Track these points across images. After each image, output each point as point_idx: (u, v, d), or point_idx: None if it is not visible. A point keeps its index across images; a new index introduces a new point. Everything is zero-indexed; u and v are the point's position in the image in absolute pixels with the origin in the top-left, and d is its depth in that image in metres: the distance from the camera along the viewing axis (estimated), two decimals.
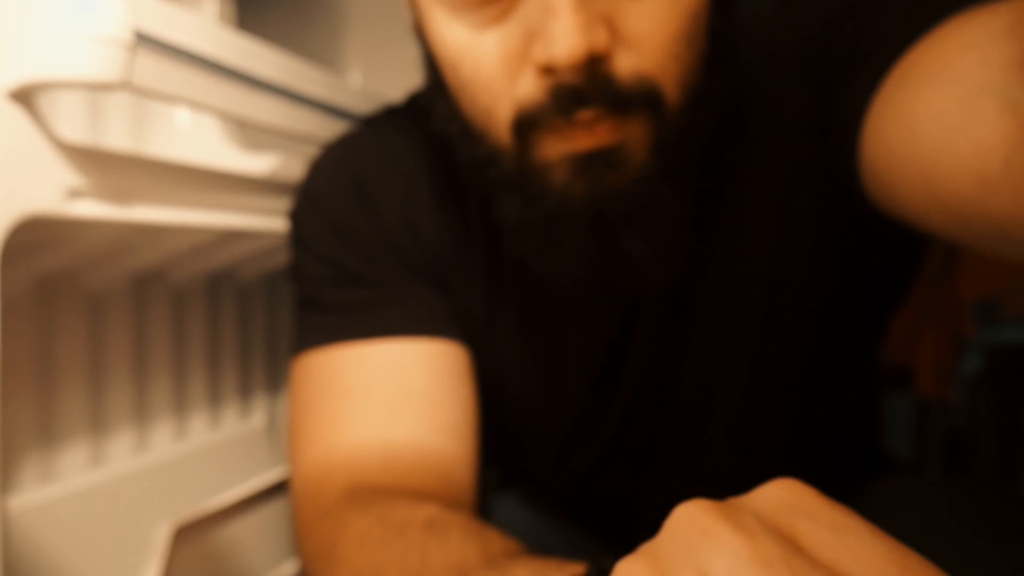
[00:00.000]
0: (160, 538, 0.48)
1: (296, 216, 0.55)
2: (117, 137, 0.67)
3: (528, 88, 0.38)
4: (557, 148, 0.38)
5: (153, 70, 0.45)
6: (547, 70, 0.37)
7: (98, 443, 0.63)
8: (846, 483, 0.58)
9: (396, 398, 0.47)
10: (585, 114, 0.37)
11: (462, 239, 0.52)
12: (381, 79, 0.99)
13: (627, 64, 0.37)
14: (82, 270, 0.61)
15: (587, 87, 0.36)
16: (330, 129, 0.66)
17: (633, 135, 0.38)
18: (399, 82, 1.02)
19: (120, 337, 0.65)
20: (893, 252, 0.49)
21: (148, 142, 0.69)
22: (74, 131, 0.64)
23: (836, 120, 0.42)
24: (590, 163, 0.38)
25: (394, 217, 0.53)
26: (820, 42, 0.44)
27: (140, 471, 0.63)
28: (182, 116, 0.70)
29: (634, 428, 0.54)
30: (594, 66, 0.36)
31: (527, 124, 0.39)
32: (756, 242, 0.48)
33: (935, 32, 0.35)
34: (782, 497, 0.21)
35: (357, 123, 0.68)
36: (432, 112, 0.45)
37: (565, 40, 0.34)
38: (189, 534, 0.51)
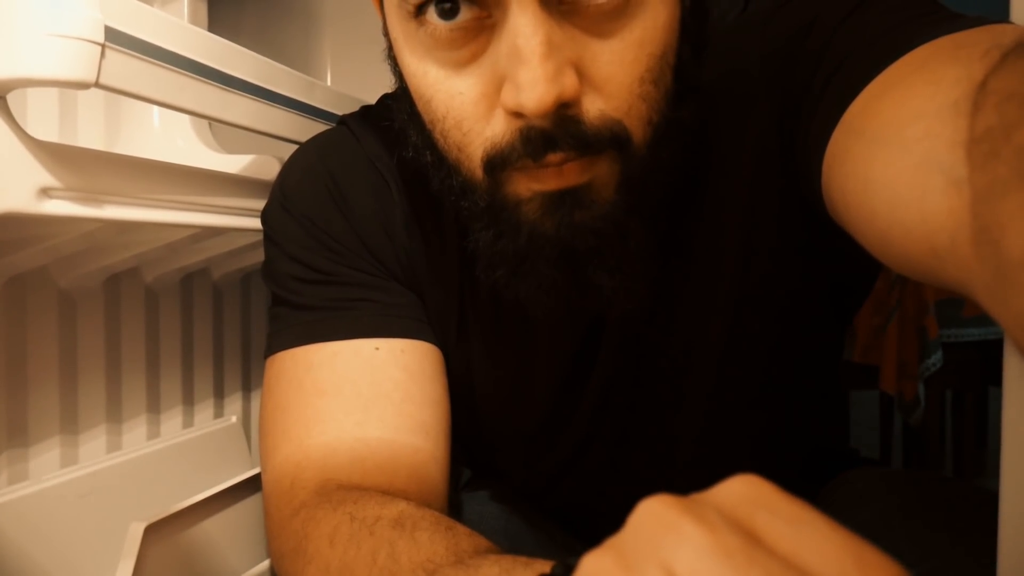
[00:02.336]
0: (134, 536, 0.48)
1: (269, 215, 0.55)
2: (89, 136, 0.67)
3: (498, 129, 0.39)
4: (527, 186, 0.40)
5: (124, 69, 0.46)
6: (517, 114, 0.38)
7: (71, 441, 0.63)
8: (813, 482, 0.59)
9: (368, 396, 0.48)
10: (554, 157, 0.38)
11: (435, 245, 0.53)
12: (353, 80, 1.00)
13: (595, 107, 0.38)
14: (54, 268, 0.61)
15: (556, 131, 0.37)
16: (303, 128, 0.66)
17: (600, 174, 0.40)
18: (371, 83, 1.03)
19: (93, 334, 0.65)
20: (854, 259, 0.51)
21: (120, 141, 0.70)
22: (46, 130, 0.64)
23: (798, 144, 0.43)
24: (559, 201, 0.39)
25: (368, 218, 0.53)
26: (783, 57, 0.45)
27: (113, 468, 0.63)
28: (154, 115, 0.70)
29: (601, 432, 0.55)
30: (563, 110, 0.37)
31: (498, 163, 0.40)
32: (722, 257, 0.49)
33: (893, 67, 0.36)
34: (742, 492, 0.22)
35: (331, 122, 0.68)
36: (407, 141, 0.46)
37: (534, 89, 0.35)
38: (162, 531, 0.51)
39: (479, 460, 0.63)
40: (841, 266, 0.51)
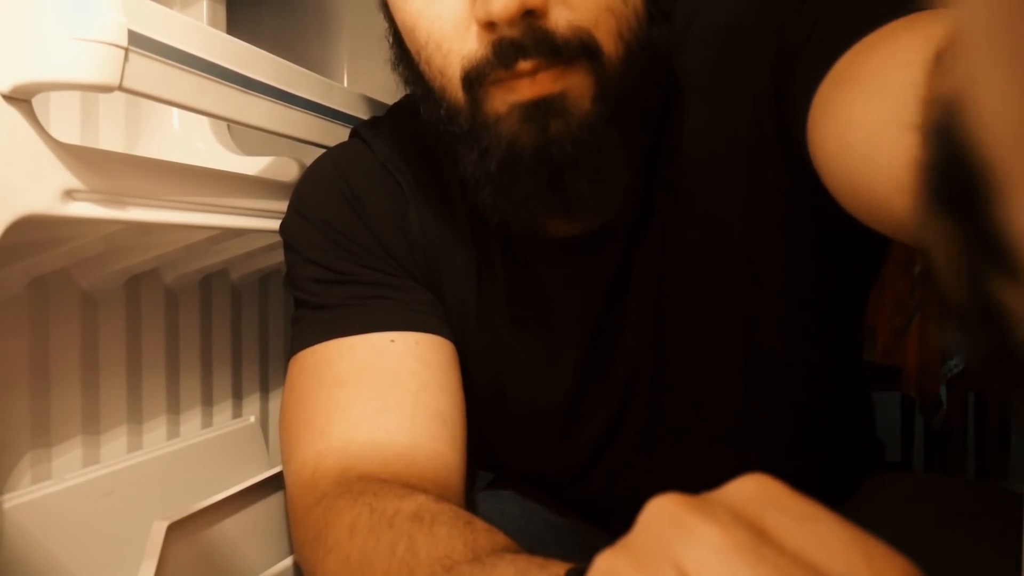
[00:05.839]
0: (156, 534, 0.49)
1: (287, 224, 0.56)
2: (110, 138, 0.68)
3: (473, 45, 0.42)
4: (503, 99, 0.42)
5: (146, 72, 0.46)
6: (488, 26, 0.40)
7: (93, 441, 0.64)
8: (846, 472, 0.59)
9: (386, 385, 0.48)
10: (525, 64, 0.40)
11: (449, 229, 0.54)
12: (369, 82, 1.00)
13: (562, 17, 0.41)
14: (75, 270, 0.62)
15: (525, 39, 0.40)
16: (321, 130, 0.67)
17: (574, 84, 0.42)
18: (387, 85, 1.03)
19: (114, 335, 0.66)
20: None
21: (140, 143, 0.70)
22: (68, 132, 0.65)
23: (789, 94, 0.44)
24: (535, 111, 0.41)
25: (383, 218, 0.54)
26: (779, 15, 0.46)
27: (134, 467, 0.64)
28: (174, 117, 0.71)
29: (632, 405, 0.54)
30: (530, 19, 0.40)
31: (474, 79, 0.42)
32: (725, 203, 0.50)
33: (883, 30, 0.37)
34: (751, 490, 0.22)
35: (348, 124, 0.69)
36: (399, 78, 0.49)
37: None
38: (184, 530, 0.51)
39: (502, 458, 0.63)
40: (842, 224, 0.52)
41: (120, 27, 0.44)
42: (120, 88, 0.45)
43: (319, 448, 0.47)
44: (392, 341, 0.50)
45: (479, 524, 0.40)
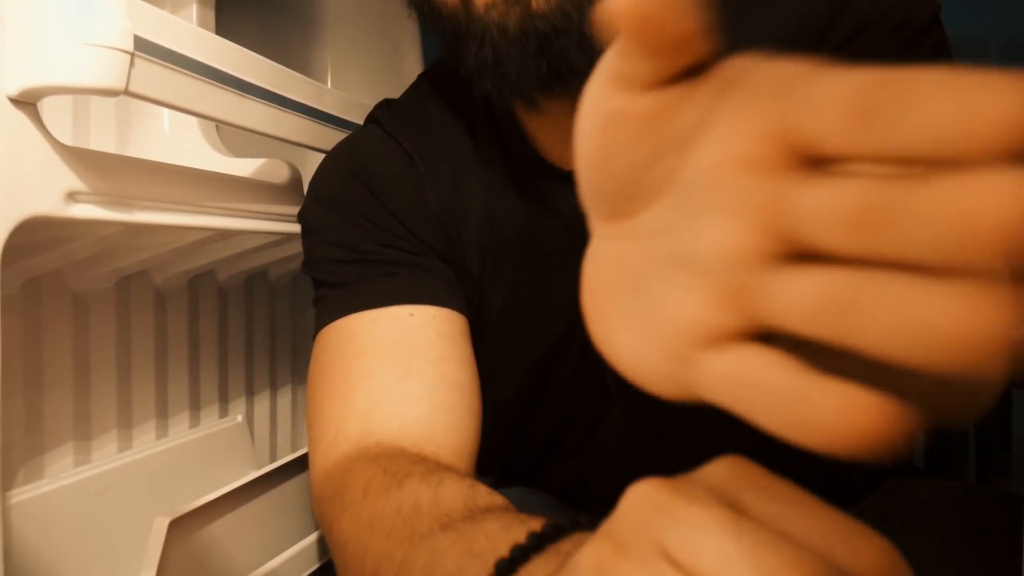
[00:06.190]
0: (158, 531, 0.50)
1: (305, 211, 0.58)
2: (101, 139, 0.68)
3: None
4: None
5: (151, 76, 0.47)
6: None
7: (84, 445, 0.64)
8: (860, 471, 0.59)
9: (407, 355, 0.50)
10: None
11: (464, 189, 0.56)
12: (353, 84, 1.01)
13: None
14: (68, 271, 0.62)
15: None
16: (312, 133, 0.68)
17: None
18: (370, 87, 1.04)
19: (105, 336, 0.66)
20: None
21: (131, 144, 0.71)
22: (60, 133, 0.65)
23: None
24: None
25: (399, 197, 0.56)
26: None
27: (126, 466, 0.65)
28: (164, 119, 0.71)
29: None
30: None
31: None
32: None
33: None
34: (729, 472, 0.22)
35: (338, 127, 0.70)
36: (407, 5, 0.52)
37: None
38: (185, 527, 0.52)
39: (510, 447, 0.63)
40: None
41: (126, 32, 0.45)
42: (126, 92, 0.45)
43: (341, 413, 0.49)
44: (411, 315, 0.52)
45: (481, 488, 0.42)
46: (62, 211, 0.47)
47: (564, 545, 0.31)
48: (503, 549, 0.32)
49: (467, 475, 0.44)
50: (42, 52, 0.43)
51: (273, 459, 0.92)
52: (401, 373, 0.49)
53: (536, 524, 0.33)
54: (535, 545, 0.31)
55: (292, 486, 0.67)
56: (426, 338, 0.51)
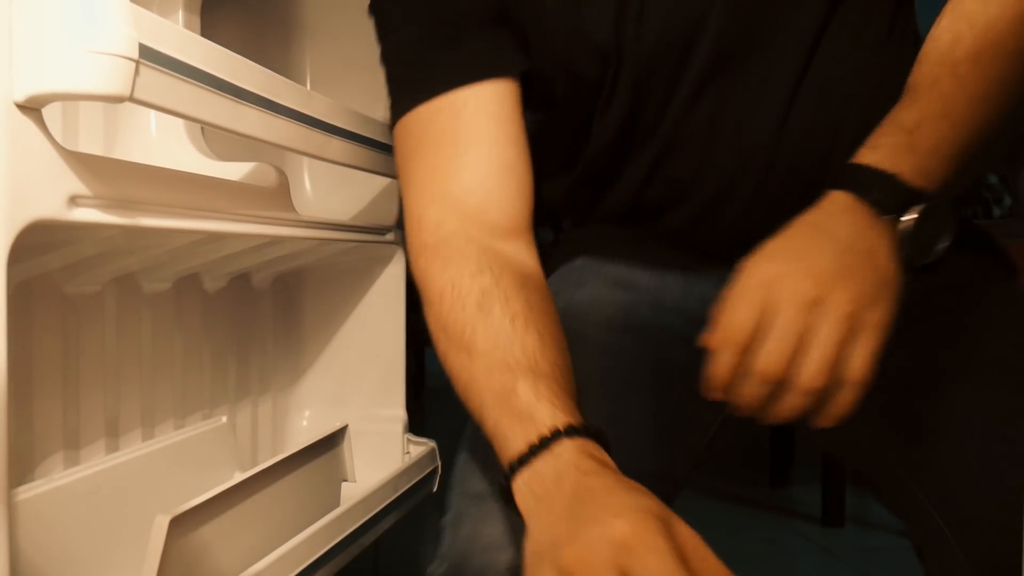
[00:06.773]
0: (159, 529, 0.51)
1: (375, 5, 0.62)
2: (89, 142, 0.69)
3: None
4: None
5: (154, 83, 0.48)
6: None
7: (72, 445, 0.65)
8: None
9: (464, 144, 0.56)
10: None
11: None
12: (333, 87, 1.02)
13: None
14: (59, 274, 0.62)
15: None
16: (301, 137, 0.69)
17: None
18: (349, 91, 1.05)
19: (94, 338, 0.67)
20: None
21: (118, 147, 0.71)
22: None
23: None
24: None
25: None
26: None
27: (115, 467, 0.65)
28: (151, 122, 0.72)
29: (710, 19, 0.55)
30: None
31: None
32: None
33: None
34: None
35: (326, 132, 0.71)
36: None
37: None
38: (184, 525, 0.53)
39: (582, 166, 0.64)
40: None
41: (131, 40, 0.46)
42: (131, 99, 0.46)
43: (420, 199, 0.57)
44: (465, 103, 0.57)
45: (520, 322, 0.49)
46: (64, 215, 0.47)
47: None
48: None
49: (508, 300, 0.51)
50: (49, 59, 0.44)
51: (255, 460, 0.93)
52: (459, 164, 0.56)
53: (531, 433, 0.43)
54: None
55: (285, 483, 0.68)
56: (479, 123, 0.57)
